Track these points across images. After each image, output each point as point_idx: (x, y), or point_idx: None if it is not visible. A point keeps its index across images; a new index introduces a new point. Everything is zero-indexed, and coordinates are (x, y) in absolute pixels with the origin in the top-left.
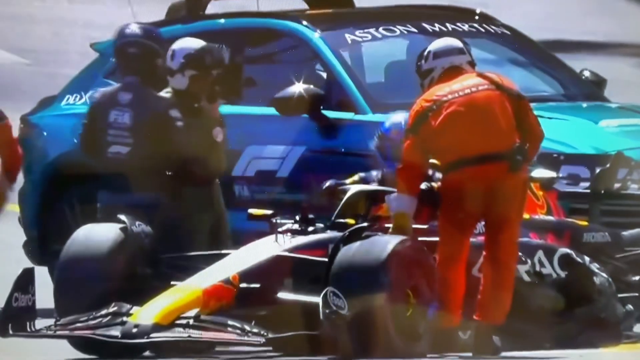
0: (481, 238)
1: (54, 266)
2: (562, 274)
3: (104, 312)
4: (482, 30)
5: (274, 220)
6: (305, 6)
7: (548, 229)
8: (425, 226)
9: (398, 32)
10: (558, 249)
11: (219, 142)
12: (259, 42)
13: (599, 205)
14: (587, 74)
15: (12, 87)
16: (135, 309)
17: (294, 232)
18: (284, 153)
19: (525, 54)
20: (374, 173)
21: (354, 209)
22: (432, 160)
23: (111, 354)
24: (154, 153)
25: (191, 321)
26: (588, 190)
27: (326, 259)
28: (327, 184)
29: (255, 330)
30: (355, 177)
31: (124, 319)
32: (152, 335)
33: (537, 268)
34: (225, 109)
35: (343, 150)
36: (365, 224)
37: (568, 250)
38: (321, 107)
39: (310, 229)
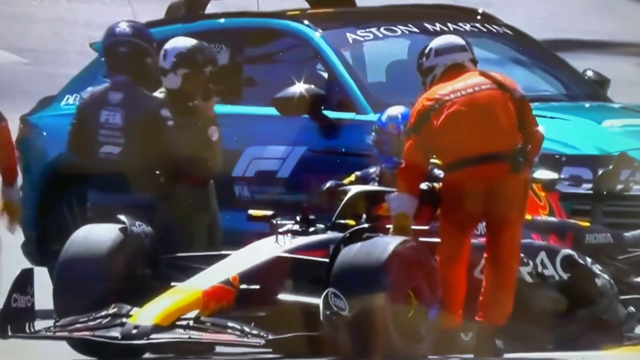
0: (483, 239)
1: (53, 267)
2: (565, 276)
3: (103, 313)
4: (484, 29)
5: (275, 221)
6: (306, 5)
7: (550, 230)
8: (426, 227)
9: (400, 31)
10: (560, 251)
11: (214, 141)
12: (260, 41)
13: (601, 206)
14: (590, 73)
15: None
16: (135, 310)
17: (295, 233)
18: (284, 153)
19: (527, 53)
20: (372, 170)
21: (355, 210)
22: (433, 160)
23: (111, 355)
24: (146, 153)
25: (191, 322)
26: (590, 192)
27: (327, 260)
28: (328, 184)
29: (255, 331)
30: (352, 177)
31: (124, 320)
32: (152, 336)
33: (540, 269)
34: (226, 109)
35: (344, 150)
36: (366, 225)
37: (570, 252)
38: (322, 107)
39: (311, 229)
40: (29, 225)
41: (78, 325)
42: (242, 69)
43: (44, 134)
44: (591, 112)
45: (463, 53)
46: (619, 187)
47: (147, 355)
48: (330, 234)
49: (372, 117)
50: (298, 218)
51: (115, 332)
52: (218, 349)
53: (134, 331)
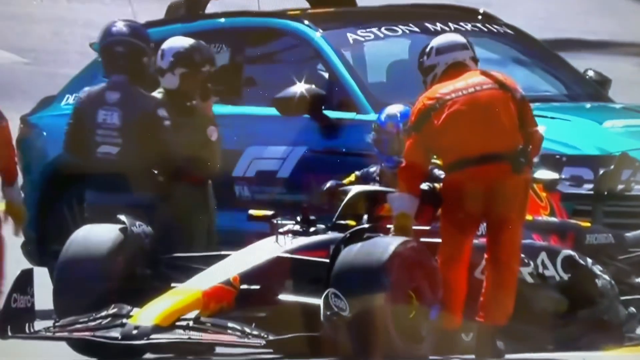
0: (484, 240)
1: (53, 267)
2: (565, 276)
3: (103, 313)
4: (485, 29)
5: (275, 221)
6: (306, 5)
7: (551, 231)
8: (427, 227)
9: (400, 31)
10: (561, 251)
11: (213, 141)
12: (260, 41)
13: (602, 206)
14: (591, 73)
15: (11, 87)
16: (135, 311)
17: (295, 233)
18: (285, 153)
19: (528, 53)
20: (372, 170)
21: (355, 210)
22: (433, 160)
23: (111, 355)
24: (143, 153)
25: (191, 323)
26: (591, 192)
27: (327, 260)
28: (328, 184)
29: (255, 332)
30: (352, 177)
31: (124, 320)
32: (152, 336)
33: (540, 270)
34: (226, 109)
35: (344, 150)
36: (366, 225)
37: (571, 252)
38: (322, 107)
39: (311, 230)
40: (29, 226)
41: (78, 326)
42: (243, 69)
43: (44, 134)
44: (592, 113)
45: (464, 51)
46: (620, 187)
47: (147, 355)
48: (330, 234)
49: (372, 117)
50: (298, 218)
51: (115, 333)
52: (218, 349)
53: (134, 331)
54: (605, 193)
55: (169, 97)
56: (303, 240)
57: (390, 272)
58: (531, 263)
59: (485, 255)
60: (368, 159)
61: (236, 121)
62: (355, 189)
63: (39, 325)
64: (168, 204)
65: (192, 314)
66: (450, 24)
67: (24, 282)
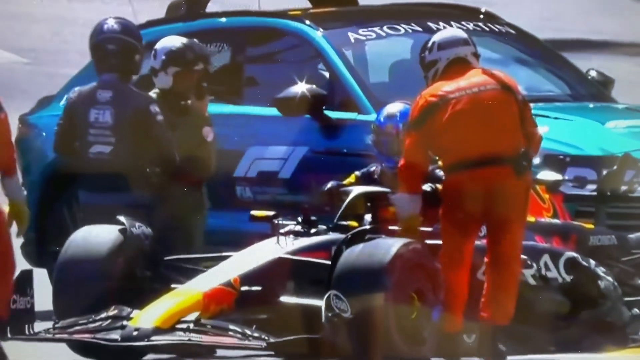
0: (485, 241)
1: (52, 267)
2: (568, 278)
3: (103, 315)
4: (487, 29)
5: (276, 222)
6: (307, 5)
7: (554, 232)
8: (429, 229)
9: (402, 30)
10: (564, 253)
11: (209, 141)
12: (261, 41)
13: (605, 207)
14: (593, 73)
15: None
16: (135, 313)
17: (296, 234)
18: (286, 154)
19: (530, 53)
20: (372, 169)
21: (357, 211)
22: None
23: (111, 357)
24: (137, 151)
25: (192, 325)
26: (594, 193)
27: (329, 262)
28: (329, 185)
29: (256, 334)
30: (352, 178)
31: (124, 322)
32: (152, 338)
33: (543, 272)
34: (227, 109)
35: (346, 151)
36: (368, 226)
37: (574, 254)
38: (324, 107)
39: (313, 230)
40: (29, 226)
41: (78, 327)
42: (243, 68)
43: (44, 134)
44: (595, 113)
45: (466, 47)
46: (623, 188)
47: (147, 357)
48: (332, 235)
49: (374, 117)
50: (300, 219)
51: (116, 335)
52: (219, 352)
53: (134, 333)
54: (608, 194)
55: (164, 97)
56: (304, 241)
57: (392, 274)
58: (534, 265)
59: (486, 259)
60: (369, 160)
61: (237, 121)
62: (356, 190)
63: (38, 326)
64: (163, 204)
65: (193, 316)
66: (452, 23)
67: (24, 283)
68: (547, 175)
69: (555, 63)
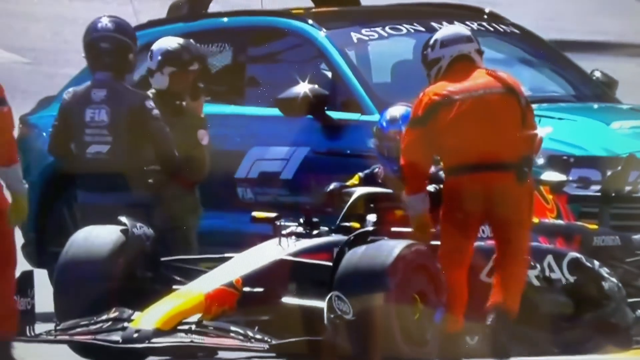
0: (490, 242)
1: (52, 268)
2: (572, 279)
3: (104, 317)
4: (491, 29)
5: (278, 223)
6: (310, 4)
7: (557, 233)
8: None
9: (405, 30)
10: (567, 254)
11: (204, 145)
12: (263, 41)
13: (609, 208)
14: (597, 74)
15: (11, 87)
16: (136, 314)
17: (298, 236)
18: (287, 154)
19: (534, 53)
20: (376, 170)
21: (359, 212)
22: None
23: (112, 359)
24: (134, 149)
25: (193, 326)
26: (598, 194)
27: (331, 263)
28: (331, 186)
29: (258, 336)
30: (355, 179)
31: (125, 324)
32: (153, 340)
33: (547, 273)
34: (229, 109)
35: (348, 151)
36: (370, 228)
37: (577, 255)
38: (326, 108)
39: (315, 232)
40: (29, 227)
41: (79, 329)
42: (245, 68)
43: (44, 134)
44: (599, 113)
45: (469, 44)
46: (628, 189)
47: (148, 359)
48: (334, 237)
49: (377, 117)
50: (302, 220)
51: (117, 336)
52: (221, 353)
53: (136, 335)
54: (613, 195)
55: (160, 98)
56: (306, 243)
57: (394, 275)
58: (537, 266)
59: (493, 264)
60: (372, 161)
61: (238, 122)
62: (359, 191)
63: (39, 328)
64: (159, 205)
65: (194, 318)
66: (455, 23)
67: (24, 284)
68: (551, 175)
69: (560, 63)
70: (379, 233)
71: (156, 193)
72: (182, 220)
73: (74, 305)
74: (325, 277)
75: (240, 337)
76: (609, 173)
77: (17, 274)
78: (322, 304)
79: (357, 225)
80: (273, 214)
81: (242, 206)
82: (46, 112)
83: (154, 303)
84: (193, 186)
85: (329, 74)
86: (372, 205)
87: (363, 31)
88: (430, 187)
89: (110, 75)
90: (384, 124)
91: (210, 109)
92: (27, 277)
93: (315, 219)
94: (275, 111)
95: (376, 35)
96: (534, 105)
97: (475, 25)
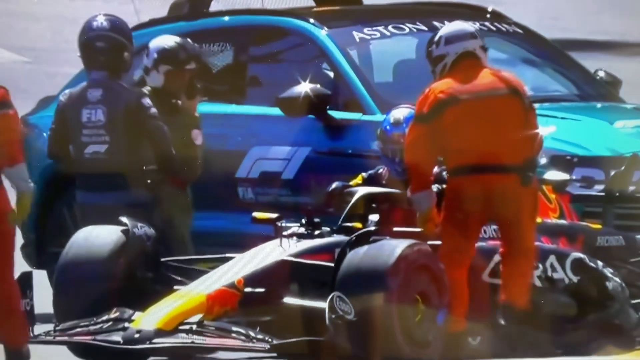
0: (492, 242)
1: (52, 269)
2: (575, 279)
3: (105, 317)
4: (494, 28)
5: (279, 224)
6: (312, 3)
7: (560, 233)
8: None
9: (407, 30)
10: (570, 254)
11: (197, 145)
12: (264, 40)
13: (613, 208)
14: (601, 74)
15: (11, 86)
16: (137, 315)
17: (300, 236)
18: (289, 154)
19: (537, 52)
20: (380, 171)
21: (362, 212)
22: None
23: None
24: (132, 147)
25: (194, 327)
26: (602, 193)
27: (332, 264)
28: (333, 186)
29: (260, 336)
30: (359, 179)
31: (126, 324)
32: (154, 341)
33: (549, 273)
34: (230, 108)
35: (350, 151)
36: (372, 228)
37: (581, 255)
38: (328, 108)
39: (316, 232)
40: (28, 227)
41: (79, 330)
42: (247, 68)
43: (44, 134)
44: (603, 113)
45: (473, 40)
46: (631, 188)
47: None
48: (336, 237)
49: (379, 117)
50: (303, 221)
51: (117, 337)
52: (222, 354)
53: (136, 335)
54: (616, 195)
55: (155, 96)
56: (308, 243)
57: (396, 275)
58: (540, 266)
59: (499, 262)
60: (373, 161)
61: (239, 121)
62: (361, 191)
63: (39, 329)
64: (157, 204)
65: (196, 318)
66: None
67: (23, 284)
68: (554, 175)
69: (563, 63)
70: (381, 233)
71: (156, 191)
72: (175, 220)
73: (74, 305)
74: (327, 278)
75: (242, 338)
76: (612, 173)
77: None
78: (323, 305)
79: (359, 225)
80: (274, 215)
81: (242, 206)
82: (46, 112)
83: (155, 303)
84: (185, 186)
85: (331, 74)
86: (374, 205)
87: (365, 30)
88: (434, 188)
89: (105, 74)
90: (388, 126)
91: (211, 108)
92: (26, 278)
93: (316, 220)
94: (276, 111)
95: (378, 35)
96: (536, 105)
97: (477, 25)
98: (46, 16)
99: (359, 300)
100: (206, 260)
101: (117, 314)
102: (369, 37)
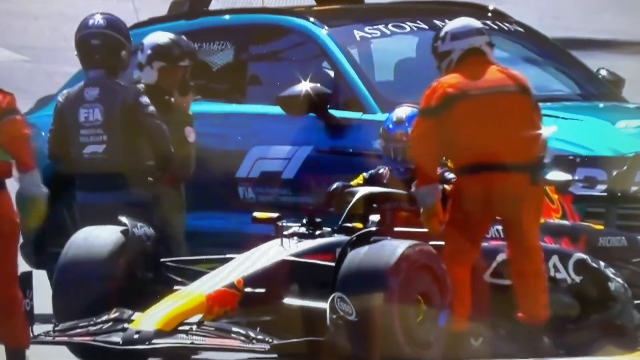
0: (494, 242)
1: (51, 269)
2: (577, 280)
3: (104, 318)
4: (495, 27)
5: (280, 224)
6: (312, 2)
7: (563, 233)
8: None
9: (408, 28)
10: (573, 254)
11: (190, 142)
12: (265, 39)
13: (615, 208)
14: (603, 73)
15: (10, 85)
16: (137, 315)
17: (300, 236)
18: (289, 154)
19: (539, 51)
20: (381, 171)
21: (363, 212)
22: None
23: None
24: (131, 146)
25: (194, 327)
26: (604, 194)
27: (333, 264)
28: (334, 186)
29: (260, 336)
30: (360, 179)
31: (125, 325)
32: (154, 341)
33: (552, 273)
34: (230, 107)
35: (351, 150)
36: (373, 228)
37: (583, 255)
38: (328, 107)
39: (317, 232)
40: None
41: (78, 330)
42: (247, 66)
43: (43, 133)
44: (605, 113)
45: (480, 37)
46: (634, 189)
47: None
48: (336, 237)
49: (379, 116)
50: (304, 220)
51: (117, 337)
52: (223, 355)
53: (136, 336)
54: (619, 195)
55: (148, 92)
56: (309, 243)
57: (397, 276)
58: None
59: (511, 268)
60: (374, 160)
61: (240, 120)
62: (362, 191)
63: (38, 329)
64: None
65: (196, 318)
66: None
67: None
68: (557, 175)
69: (565, 62)
70: (382, 233)
71: (154, 191)
72: (168, 219)
73: (74, 306)
74: (328, 278)
75: (242, 338)
76: (614, 173)
77: None
78: (324, 305)
79: (360, 225)
80: (275, 214)
81: (243, 206)
82: (45, 111)
83: (155, 304)
84: (179, 184)
85: (332, 73)
86: (375, 205)
87: (366, 29)
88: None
89: (103, 72)
90: (390, 125)
91: (211, 107)
92: (26, 278)
93: (317, 219)
94: (277, 110)
95: (379, 33)
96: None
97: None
98: (45, 15)
99: (360, 300)
100: (206, 261)
101: (116, 314)
102: (369, 36)
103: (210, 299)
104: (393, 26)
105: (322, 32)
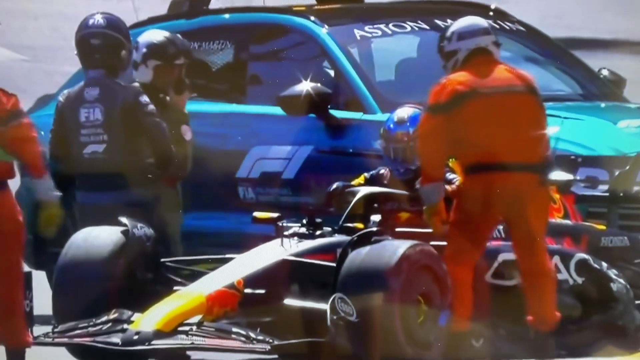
0: (495, 243)
1: (51, 269)
2: (579, 280)
3: (104, 318)
4: (497, 26)
5: (280, 224)
6: (312, 1)
7: (565, 234)
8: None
9: (409, 28)
10: (575, 254)
11: (187, 140)
12: (265, 38)
13: (617, 208)
14: (605, 73)
15: (9, 85)
16: (136, 316)
17: (301, 236)
18: (290, 154)
19: (541, 51)
20: (382, 171)
21: (363, 212)
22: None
23: None
24: (131, 145)
25: (194, 328)
26: (606, 194)
27: (334, 264)
28: (335, 186)
29: (260, 337)
30: (361, 179)
31: (125, 326)
32: (153, 342)
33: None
34: (230, 107)
35: (351, 151)
36: (374, 228)
37: (585, 256)
38: (329, 106)
39: (318, 232)
40: (27, 227)
41: (78, 331)
42: (247, 66)
43: (42, 133)
44: (607, 113)
45: (486, 36)
46: (636, 188)
47: None
48: (337, 237)
49: (380, 116)
50: (304, 221)
51: (116, 338)
52: (224, 355)
53: (135, 337)
54: (621, 195)
55: (143, 91)
56: (309, 244)
57: (398, 276)
58: None
59: (520, 268)
60: (375, 160)
61: (240, 120)
62: (363, 191)
63: (37, 330)
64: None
65: (195, 319)
66: None
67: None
68: (559, 175)
69: (567, 62)
70: (382, 233)
71: (154, 190)
72: (164, 218)
73: (74, 306)
74: (328, 279)
75: (242, 339)
76: (616, 173)
77: None
78: (324, 306)
79: (360, 225)
80: (275, 214)
81: (243, 206)
82: (44, 110)
83: (155, 304)
84: (175, 183)
85: (332, 72)
86: (375, 205)
87: (366, 28)
88: None
89: (102, 72)
90: (391, 125)
91: (211, 107)
92: (26, 278)
93: (318, 219)
94: (277, 110)
95: (380, 33)
96: None
97: None
98: (44, 14)
99: (361, 301)
100: (206, 261)
101: (116, 315)
102: (370, 35)
103: (210, 300)
104: (394, 26)
105: (323, 32)
